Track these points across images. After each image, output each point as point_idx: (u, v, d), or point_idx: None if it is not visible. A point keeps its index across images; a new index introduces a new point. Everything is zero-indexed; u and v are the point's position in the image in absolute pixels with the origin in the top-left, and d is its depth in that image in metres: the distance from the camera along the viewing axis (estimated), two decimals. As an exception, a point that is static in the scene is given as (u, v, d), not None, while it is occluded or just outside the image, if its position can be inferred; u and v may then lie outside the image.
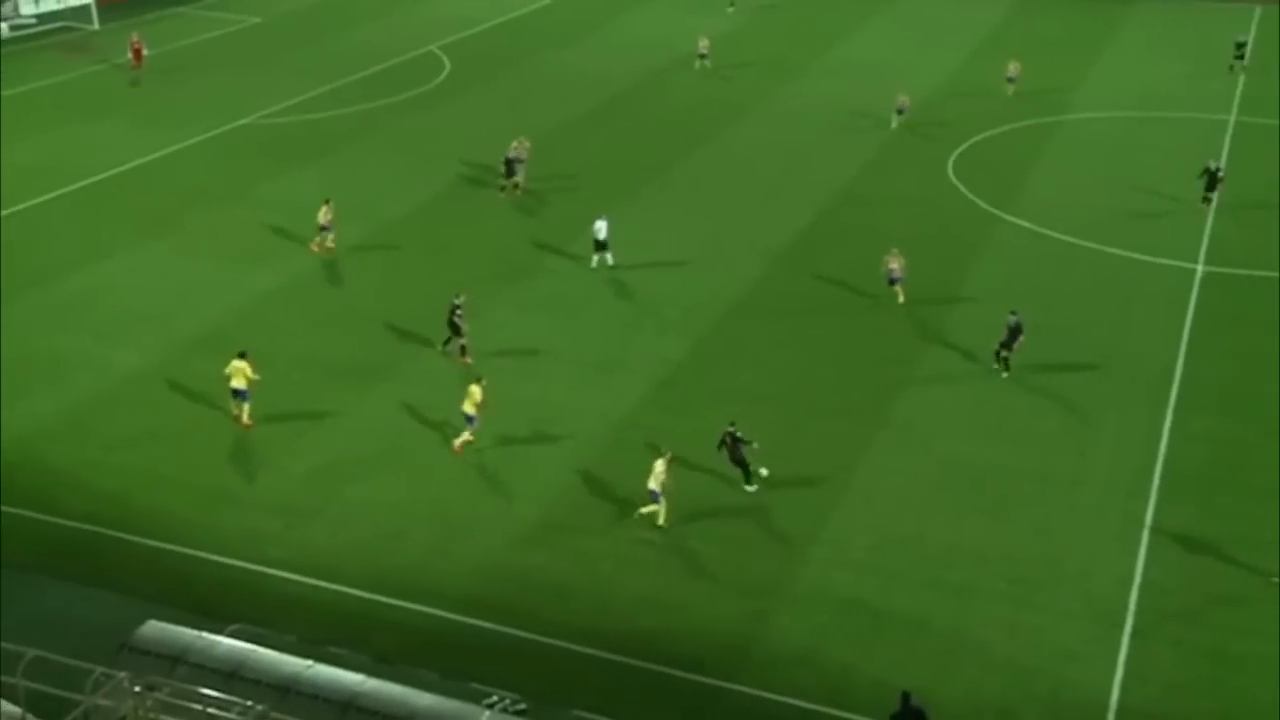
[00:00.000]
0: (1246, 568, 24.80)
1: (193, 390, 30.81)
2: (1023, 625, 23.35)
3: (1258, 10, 72.00)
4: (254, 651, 18.63)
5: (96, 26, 64.96)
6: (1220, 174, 41.47)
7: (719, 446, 27.09)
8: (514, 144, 43.45)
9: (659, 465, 25.76)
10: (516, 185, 42.56)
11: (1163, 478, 27.51)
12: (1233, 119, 52.08)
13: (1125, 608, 23.72)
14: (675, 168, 45.94)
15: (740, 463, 27.04)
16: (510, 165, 42.53)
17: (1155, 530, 25.88)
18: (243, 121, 50.61)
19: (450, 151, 47.14)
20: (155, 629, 19.02)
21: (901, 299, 34.78)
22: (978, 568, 24.82)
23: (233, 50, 61.63)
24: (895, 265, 34.95)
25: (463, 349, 32.13)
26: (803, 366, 31.91)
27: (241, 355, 29.30)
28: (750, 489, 27.09)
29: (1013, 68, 55.30)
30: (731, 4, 70.78)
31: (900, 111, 49.81)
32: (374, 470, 27.77)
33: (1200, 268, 37.95)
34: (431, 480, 27.43)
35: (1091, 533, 25.88)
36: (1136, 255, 38.68)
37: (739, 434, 27.04)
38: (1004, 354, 31.71)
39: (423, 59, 60.16)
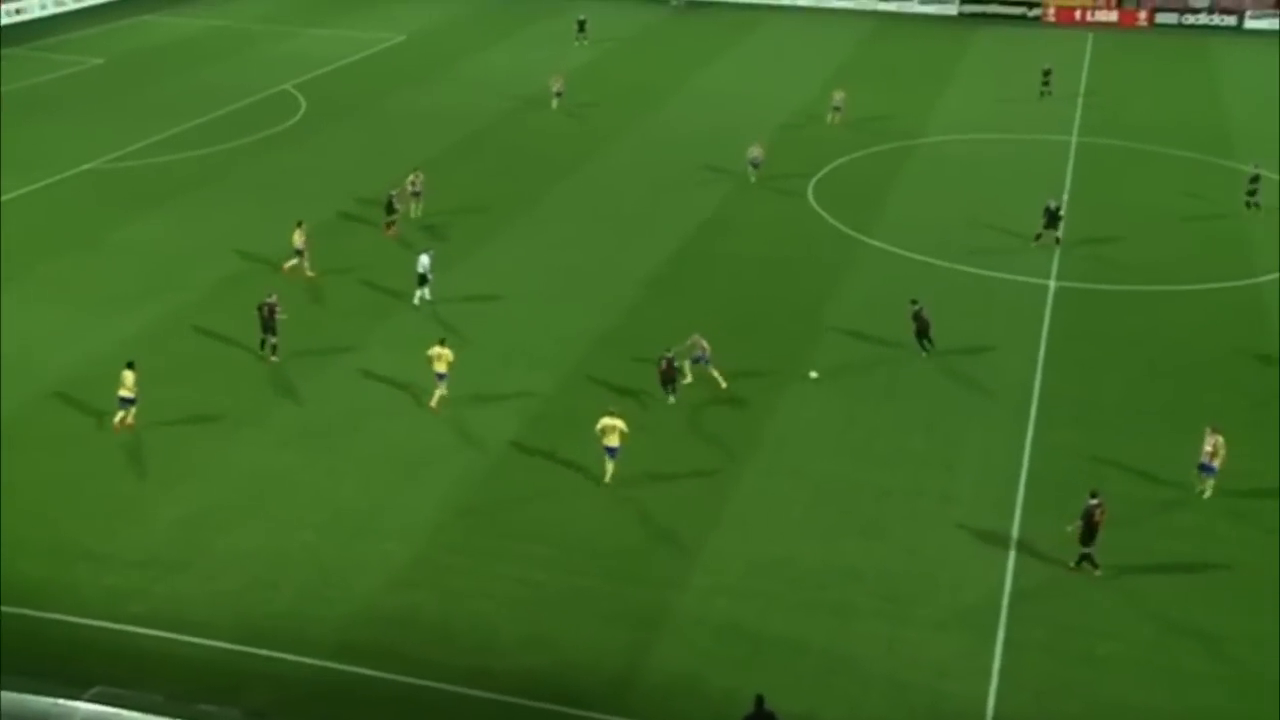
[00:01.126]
0: (1110, 572, 25.69)
1: (47, 443, 29.79)
2: (899, 641, 23.82)
3: (1090, 37, 75.32)
4: (116, 715, 18.00)
5: (-71, 71, 62.84)
6: (1060, 212, 42.16)
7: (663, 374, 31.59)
8: (410, 177, 43.66)
9: (616, 423, 27.87)
10: (393, 224, 42.21)
11: (1027, 489, 28.37)
12: (1074, 140, 54.21)
13: (997, 618, 24.37)
14: (539, 202, 46.06)
15: (669, 382, 31.55)
16: (391, 202, 42.25)
17: (1022, 541, 26.66)
18: (88, 166, 49.26)
19: (309, 191, 46.53)
20: (9, 701, 18.23)
21: (723, 384, 32.48)
22: (853, 586, 25.27)
23: (75, 92, 59.99)
24: (700, 349, 32.34)
25: (274, 348, 33.14)
26: (678, 396, 32.14)
27: (130, 366, 30.13)
28: (671, 400, 31.62)
29: (838, 97, 56.57)
30: (580, 37, 71.23)
31: (755, 165, 47.48)
32: (243, 518, 27.16)
33: (1053, 283, 39.34)
34: (303, 525, 26.93)
35: (962, 546, 26.56)
36: (992, 273, 39.94)
37: (675, 360, 31.61)
38: (926, 343, 34.15)
39: (277, 98, 59.36)
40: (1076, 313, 37.44)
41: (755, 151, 48.01)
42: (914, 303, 34.76)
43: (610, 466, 28.34)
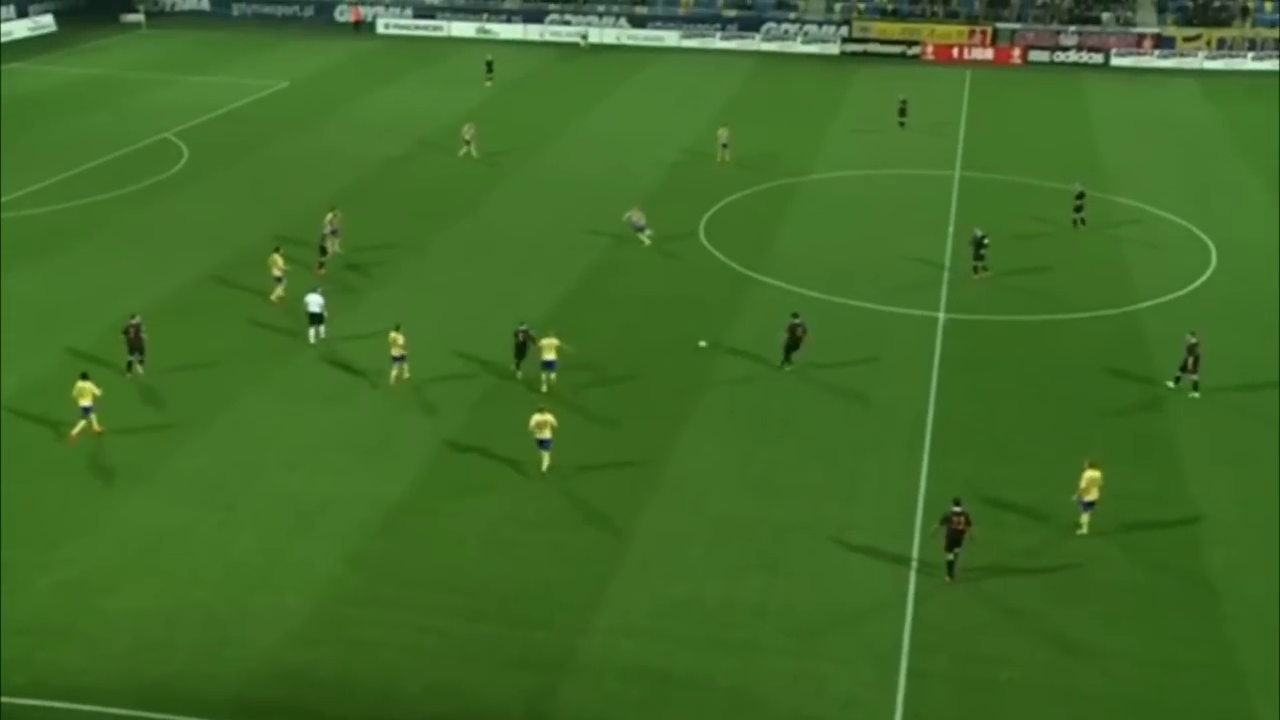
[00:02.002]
0: (1003, 598, 26.20)
1: (-79, 509, 28.71)
2: (804, 676, 23.99)
3: (968, 74, 77.47)
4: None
5: None
6: (985, 240, 42.88)
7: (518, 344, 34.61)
8: (328, 216, 43.83)
9: (547, 418, 29.79)
10: (323, 265, 42.46)
11: (924, 518, 28.81)
12: (957, 174, 55.61)
13: (900, 649, 24.68)
14: (429, 245, 45.81)
15: (520, 354, 34.75)
16: (322, 243, 42.73)
17: (921, 570, 27.06)
18: (-38, 219, 47.84)
19: (195, 240, 45.74)
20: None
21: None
22: (757, 623, 25.41)
23: (-58, 144, 58.25)
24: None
25: (141, 363, 34.64)
26: (572, 433, 32.05)
27: (84, 376, 31.60)
28: (519, 375, 34.73)
29: (723, 134, 57.28)
30: (488, 77, 71.64)
31: (639, 228, 45.40)
32: (133, 578, 26.43)
33: (942, 315, 40.18)
34: (196, 583, 26.29)
35: (864, 578, 26.87)
36: (883, 307, 40.67)
37: (531, 332, 34.59)
38: (790, 357, 35.90)
39: (158, 147, 58.33)
40: (966, 343, 38.27)
41: (635, 216, 45.79)
42: (794, 316, 36.23)
43: (546, 458, 29.99)
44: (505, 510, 29.04)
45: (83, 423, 31.57)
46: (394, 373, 34.65)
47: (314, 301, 37.25)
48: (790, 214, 50.00)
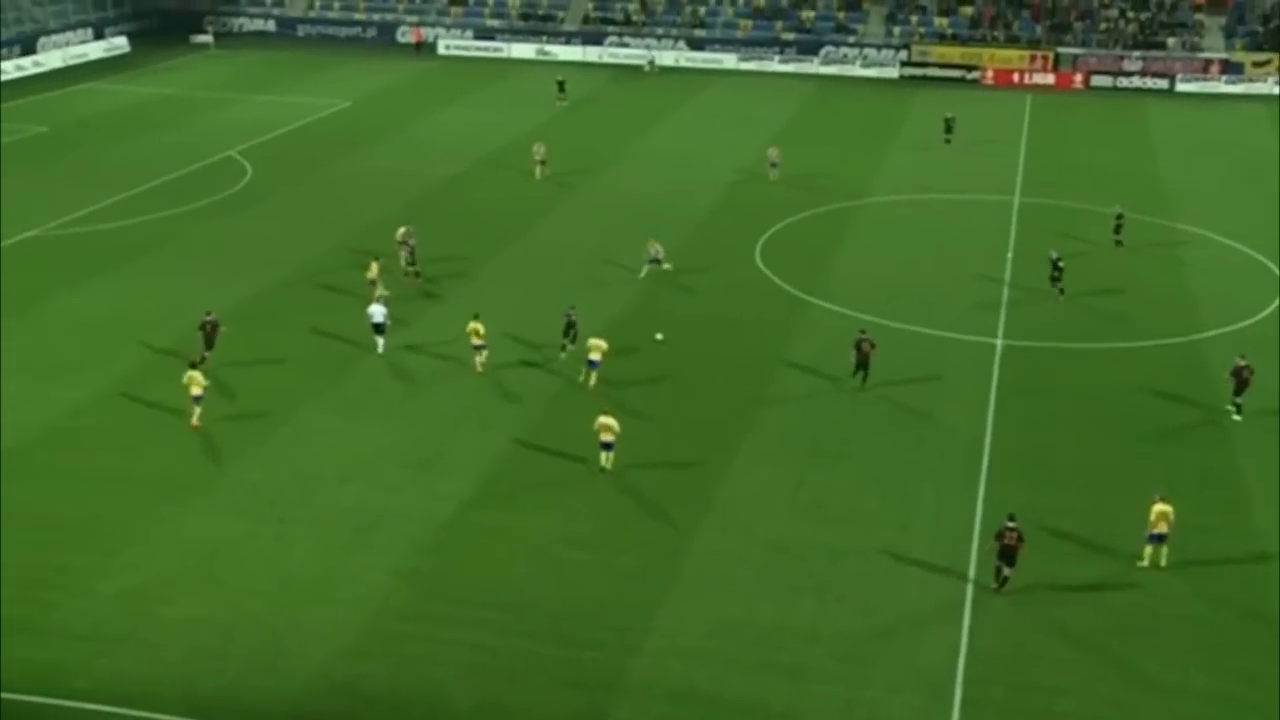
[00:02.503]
0: (1061, 627, 25.81)
1: (-14, 516, 29.21)
2: (856, 702, 23.74)
3: (1029, 99, 76.93)
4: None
5: None
6: (1060, 262, 43.08)
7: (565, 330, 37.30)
8: (400, 231, 44.58)
9: (610, 421, 30.86)
10: (414, 274, 43.53)
11: (980, 545, 28.47)
12: (1017, 199, 55.15)
13: (954, 677, 24.36)
14: (490, 261, 46.06)
15: (567, 333, 37.25)
16: (411, 252, 43.73)
17: (977, 598, 26.73)
18: (31, 234, 48.73)
19: (258, 255, 46.33)
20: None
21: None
22: (809, 648, 25.19)
23: (17, 161, 59.36)
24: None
25: (204, 359, 35.66)
26: (627, 454, 32.09)
27: (193, 366, 33.67)
28: (563, 356, 37.08)
29: (773, 153, 57.57)
30: (560, 98, 72.25)
31: (656, 261, 44.50)
32: (190, 588, 26.69)
33: (1000, 341, 39.79)
34: (251, 594, 26.50)
35: (917, 605, 26.57)
36: (940, 333, 40.35)
37: (574, 318, 37.42)
38: (862, 375, 35.95)
39: (223, 164, 59.18)
40: (1024, 370, 37.86)
41: (655, 247, 44.72)
42: (862, 332, 36.66)
43: (605, 457, 31.11)
44: (557, 529, 29.05)
45: (197, 409, 33.10)
46: (478, 359, 36.61)
47: (377, 312, 37.95)
48: (847, 237, 49.80)
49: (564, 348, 37.67)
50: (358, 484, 30.89)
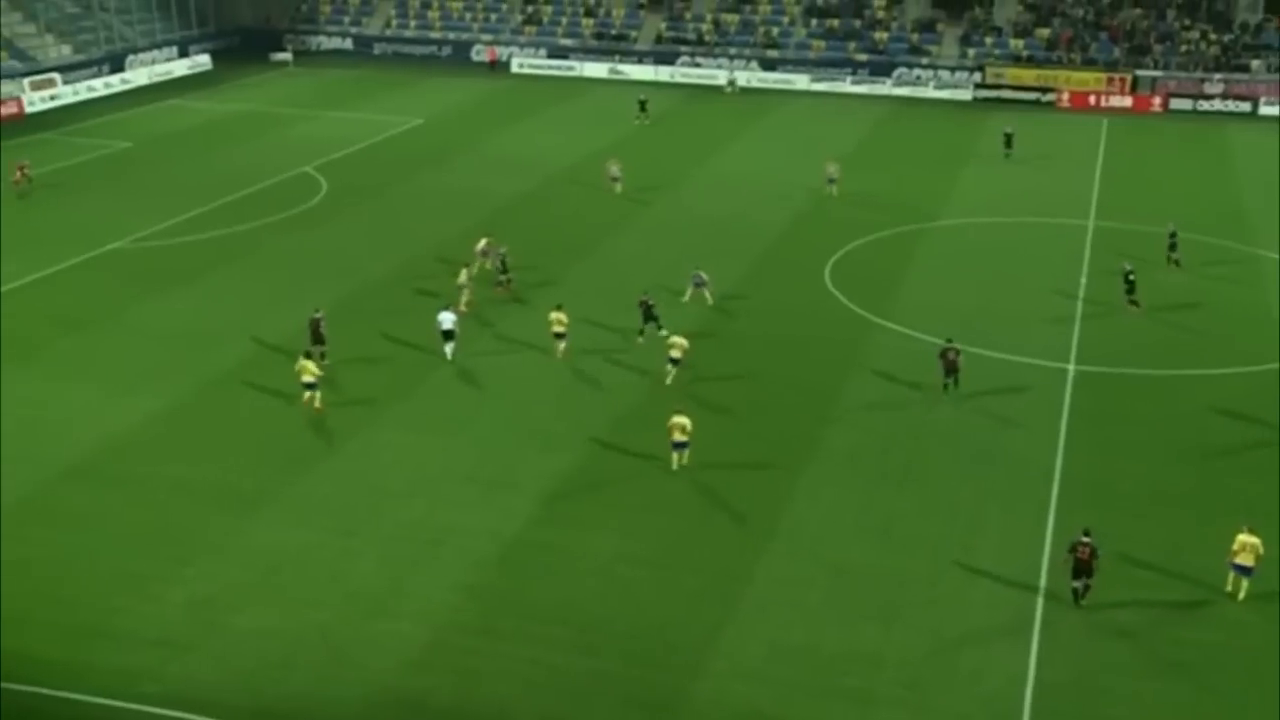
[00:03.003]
0: (1134, 662, 25.33)
1: (64, 522, 29.79)
2: (921, 729, 23.47)
3: (1105, 121, 75.97)
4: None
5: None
6: (1132, 275, 43.80)
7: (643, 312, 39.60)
8: (483, 243, 46.04)
9: (683, 420, 31.77)
10: (506, 282, 44.63)
11: (1049, 575, 28.06)
12: (1091, 223, 54.43)
13: (1020, 708, 23.99)
14: (558, 280, 46.24)
15: (648, 319, 39.49)
16: (503, 262, 44.81)
17: (1045, 627, 26.33)
18: (114, 246, 49.78)
19: (331, 269, 46.95)
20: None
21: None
22: (873, 673, 24.95)
23: (102, 175, 60.80)
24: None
25: (323, 355, 37.23)
26: (691, 477, 32.05)
27: (306, 355, 35.69)
28: (641, 340, 39.32)
29: (832, 169, 57.91)
30: (641, 117, 72.97)
31: (700, 285, 43.91)
32: (258, 598, 27.04)
33: (1072, 367, 39.25)
34: (318, 605, 26.78)
35: (984, 632, 26.22)
36: (1010, 357, 39.89)
37: (651, 302, 39.66)
38: (950, 383, 36.74)
39: (298, 180, 60.08)
40: (1097, 396, 37.30)
41: (698, 274, 44.14)
42: (948, 341, 37.19)
43: (677, 457, 32.10)
44: (622, 548, 29.06)
45: (308, 394, 35.12)
46: (560, 346, 38.68)
47: (446, 319, 38.63)
48: (917, 259, 49.42)
49: (641, 332, 39.68)
50: (424, 498, 31.13)
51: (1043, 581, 27.80)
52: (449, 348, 38.77)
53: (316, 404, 35.13)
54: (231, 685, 24.32)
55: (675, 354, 37.13)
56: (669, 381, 37.04)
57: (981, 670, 25.04)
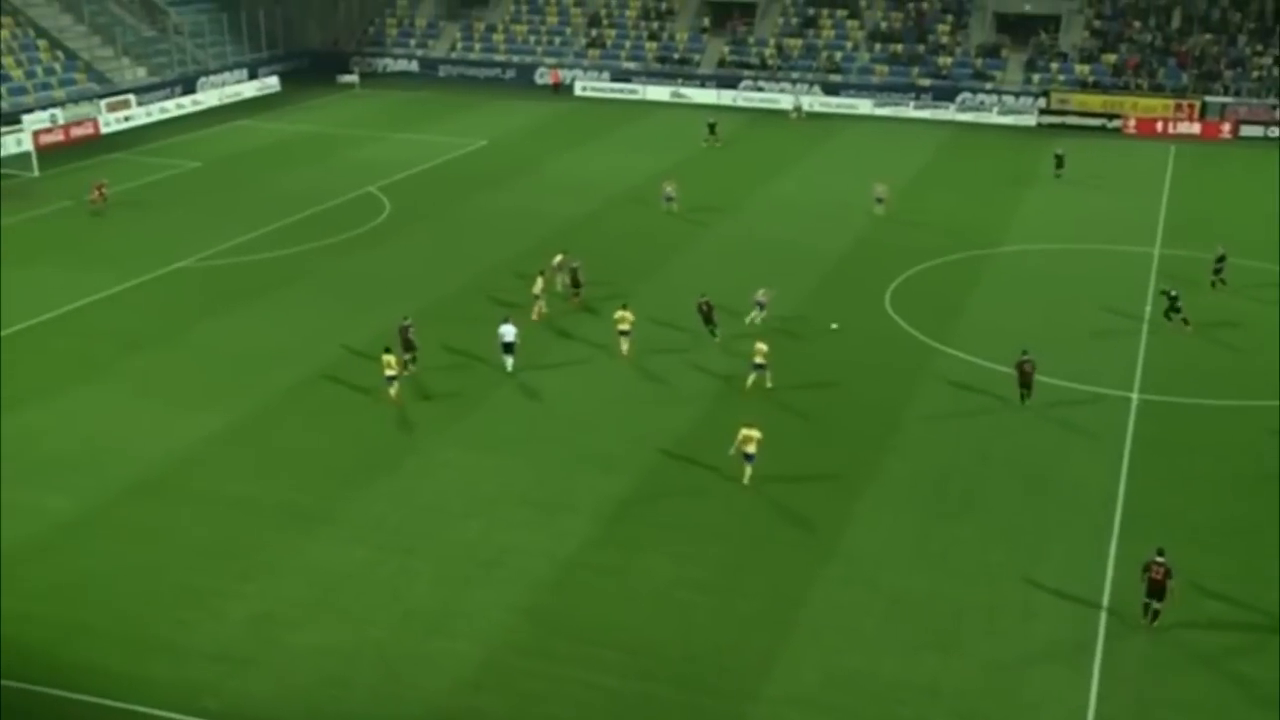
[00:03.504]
0: (1200, 697, 24.85)
1: (128, 536, 30.25)
2: (978, 761, 23.17)
3: (1173, 148, 75.02)
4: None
5: (36, 174, 65.10)
6: (1178, 300, 44.20)
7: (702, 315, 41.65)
8: (559, 258, 47.09)
9: (753, 433, 32.28)
10: (577, 294, 46.03)
11: (1111, 607, 27.65)
12: (1157, 251, 53.73)
13: (1080, 740, 23.65)
14: (625, 293, 46.13)
15: (708, 321, 41.62)
16: (575, 275, 46.13)
17: (1106, 660, 25.93)
18: (181, 264, 50.60)
19: (393, 289, 47.37)
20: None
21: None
22: (930, 703, 24.69)
23: (171, 194, 61.87)
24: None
25: (414, 360, 38.92)
26: (749, 501, 31.98)
27: (387, 350, 37.53)
28: (715, 339, 41.69)
29: (880, 189, 58.52)
30: (711, 140, 73.51)
31: (761, 306, 44.03)
32: (316, 615, 27.27)
33: (1135, 396, 38.73)
34: (375, 624, 26.96)
35: (1043, 665, 25.88)
36: (1072, 384, 39.43)
37: (710, 304, 41.73)
38: (1025, 394, 37.58)
39: (361, 200, 60.79)
40: (1162, 426, 36.77)
41: (760, 295, 44.25)
42: (1024, 353, 38.01)
43: (748, 470, 32.41)
44: (678, 572, 29.00)
45: (390, 388, 37.06)
46: (624, 344, 40.42)
47: (508, 332, 39.41)
48: (980, 286, 49.02)
49: (713, 334, 41.83)
50: (481, 518, 31.27)
51: (1104, 613, 27.40)
52: (509, 361, 39.43)
53: (394, 397, 37.09)
54: (289, 702, 24.53)
55: (758, 359, 38.23)
56: (749, 385, 38.30)
57: (1040, 703, 24.69)
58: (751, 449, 32.43)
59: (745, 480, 32.49)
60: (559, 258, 47.32)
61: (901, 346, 42.72)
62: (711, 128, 74.30)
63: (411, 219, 57.44)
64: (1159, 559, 26.60)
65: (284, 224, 56.27)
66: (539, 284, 44.27)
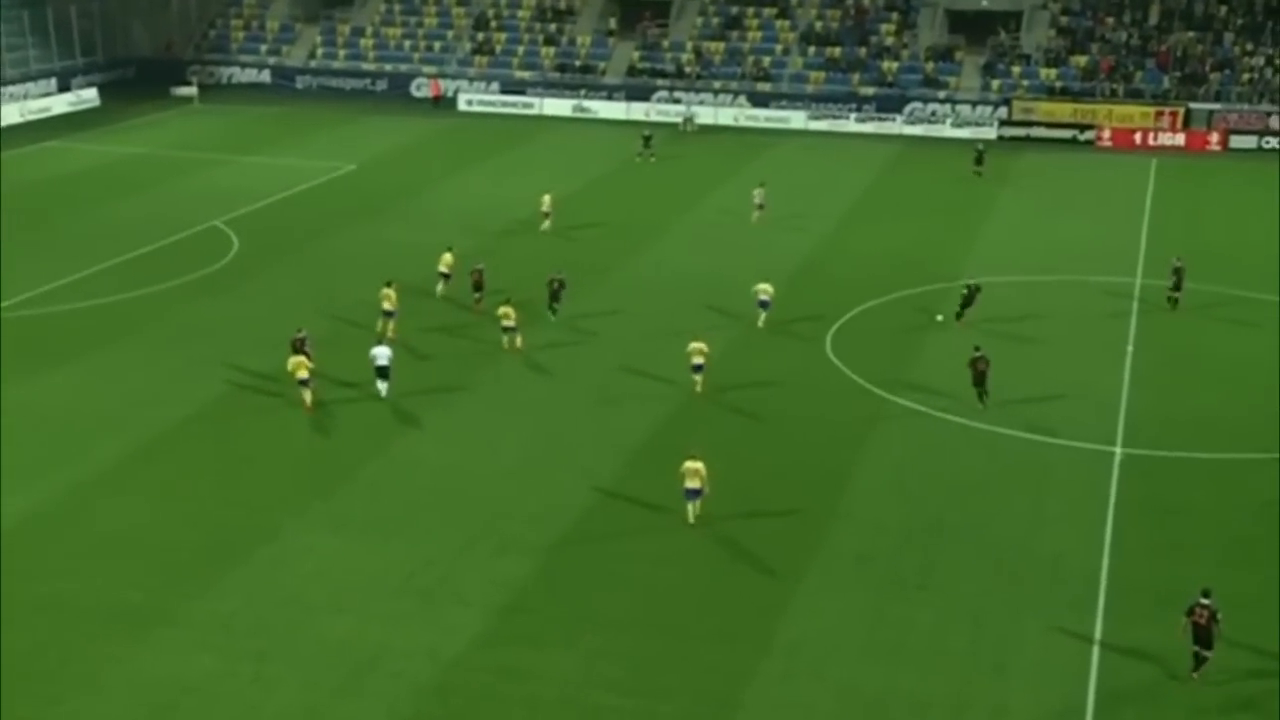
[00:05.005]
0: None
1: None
2: None
3: (1154, 162, 77.05)
4: None
5: None
6: (1180, 266, 48.41)
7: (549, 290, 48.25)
8: (446, 259, 51.87)
9: (697, 465, 33.97)
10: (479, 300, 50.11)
11: (1098, 701, 28.01)
12: (1138, 281, 55.00)
13: None
14: (515, 360, 46.30)
15: (554, 300, 48.42)
16: (477, 280, 50.20)
17: (1090, 760, 26.31)
18: (-21, 315, 49.75)
19: (244, 340, 46.98)
20: None
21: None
22: (888, 818, 24.83)
23: (-36, 230, 60.80)
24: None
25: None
26: (670, 585, 32.00)
27: (295, 351, 41.22)
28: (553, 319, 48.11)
29: (758, 193, 62.91)
30: (642, 153, 75.94)
31: (765, 305, 49.26)
32: (148, 737, 26.75)
33: (1119, 450, 39.50)
34: (221, 746, 26.54)
35: (1017, 767, 26.18)
36: (1045, 439, 40.13)
37: (562, 279, 48.84)
38: (982, 394, 41.11)
39: (204, 236, 60.34)
40: (1150, 484, 37.50)
41: (764, 295, 49.31)
42: (976, 349, 41.82)
43: (692, 509, 34.28)
44: (587, 670, 28.86)
45: (305, 392, 40.55)
46: (508, 341, 45.34)
47: (381, 354, 41.93)
48: (934, 326, 49.79)
49: (554, 311, 48.57)
50: (351, 613, 30.93)
51: (1090, 708, 27.72)
52: (384, 386, 41.81)
53: (307, 401, 40.46)
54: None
55: (698, 360, 41.93)
56: (698, 390, 42.38)
57: (1016, 813, 24.94)
58: (695, 483, 33.99)
59: (691, 519, 34.30)
60: (447, 256, 51.45)
61: (846, 398, 43.21)
62: (646, 140, 76.06)
63: (265, 258, 57.09)
64: (1204, 600, 27.93)
65: (107, 266, 55.59)
66: (389, 299, 46.75)
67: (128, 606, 31.12)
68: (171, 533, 34.35)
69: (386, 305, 46.95)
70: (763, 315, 49.04)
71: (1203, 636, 27.89)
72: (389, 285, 47.43)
